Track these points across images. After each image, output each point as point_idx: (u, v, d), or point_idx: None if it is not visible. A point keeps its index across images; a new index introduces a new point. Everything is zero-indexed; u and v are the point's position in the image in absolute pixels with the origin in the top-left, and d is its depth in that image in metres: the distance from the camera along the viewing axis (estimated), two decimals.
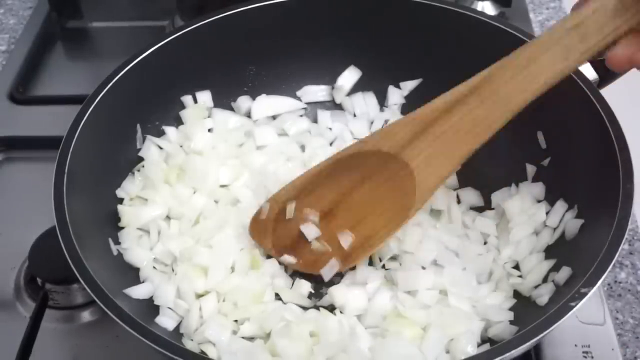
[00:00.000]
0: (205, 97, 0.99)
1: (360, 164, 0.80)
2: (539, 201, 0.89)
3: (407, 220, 0.79)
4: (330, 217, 0.83)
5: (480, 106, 0.72)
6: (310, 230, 0.83)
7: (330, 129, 1.03)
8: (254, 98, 1.02)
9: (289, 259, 0.83)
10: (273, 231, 0.85)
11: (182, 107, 0.98)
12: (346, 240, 0.81)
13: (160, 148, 0.94)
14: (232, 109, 1.02)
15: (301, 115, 1.04)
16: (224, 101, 1.02)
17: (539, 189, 0.89)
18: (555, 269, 0.80)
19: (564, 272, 0.78)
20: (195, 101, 0.99)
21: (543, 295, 0.77)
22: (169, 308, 0.81)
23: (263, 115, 1.01)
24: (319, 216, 0.83)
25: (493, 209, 0.92)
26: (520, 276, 0.84)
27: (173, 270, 0.86)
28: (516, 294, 0.83)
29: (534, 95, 0.70)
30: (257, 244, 0.86)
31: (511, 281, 0.83)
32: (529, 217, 0.87)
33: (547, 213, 0.86)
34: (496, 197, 0.92)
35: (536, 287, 0.81)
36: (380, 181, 0.79)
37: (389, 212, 0.79)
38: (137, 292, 0.81)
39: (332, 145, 1.00)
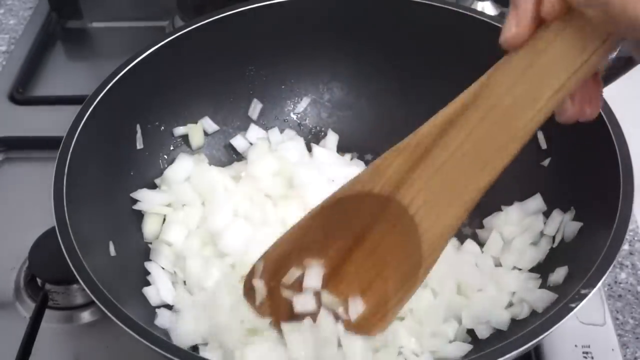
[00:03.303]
0: (206, 123, 1.00)
1: (355, 210, 0.65)
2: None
3: (418, 283, 0.65)
4: (335, 276, 0.69)
5: (481, 124, 0.58)
6: (315, 279, 0.69)
7: None
8: (252, 99, 1.03)
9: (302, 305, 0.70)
10: (269, 295, 0.72)
11: (182, 107, 0.98)
12: (356, 307, 0.68)
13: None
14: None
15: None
16: (223, 101, 1.02)
17: (533, 204, 0.89)
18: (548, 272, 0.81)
19: (563, 274, 0.78)
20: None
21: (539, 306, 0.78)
22: (166, 309, 0.82)
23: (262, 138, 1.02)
24: (322, 266, 0.69)
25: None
26: None
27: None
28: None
29: (549, 107, 0.56)
30: (253, 309, 0.73)
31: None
32: (525, 229, 0.87)
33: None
34: (489, 222, 0.91)
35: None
36: (380, 233, 0.65)
37: (397, 273, 0.66)
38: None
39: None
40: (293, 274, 0.70)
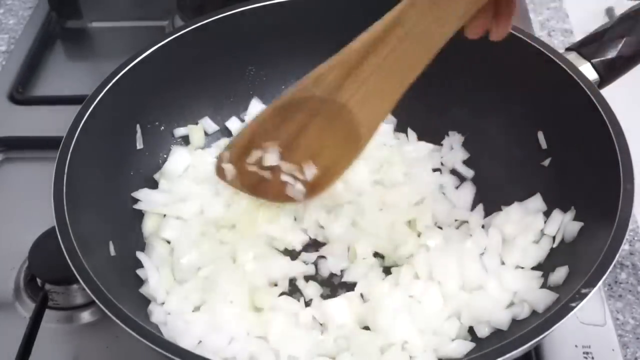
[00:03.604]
0: (206, 123, 1.01)
1: (302, 107, 0.81)
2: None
3: (359, 152, 0.81)
4: (289, 152, 0.84)
5: (400, 45, 0.73)
6: (273, 157, 0.84)
7: None
8: (252, 99, 1.03)
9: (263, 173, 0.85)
10: (238, 172, 0.86)
11: (182, 107, 0.98)
12: (310, 170, 0.83)
13: None
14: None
15: None
16: (223, 101, 1.02)
17: (533, 204, 0.89)
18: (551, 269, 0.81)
19: (563, 273, 0.78)
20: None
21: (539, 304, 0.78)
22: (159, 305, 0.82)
23: None
24: (278, 147, 0.84)
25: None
26: None
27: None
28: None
29: (452, 29, 0.72)
30: (226, 184, 0.88)
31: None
32: (526, 229, 0.87)
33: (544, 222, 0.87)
34: (489, 222, 0.91)
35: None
36: (326, 120, 0.80)
37: (342, 146, 0.82)
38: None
39: None
40: (255, 154, 0.84)
